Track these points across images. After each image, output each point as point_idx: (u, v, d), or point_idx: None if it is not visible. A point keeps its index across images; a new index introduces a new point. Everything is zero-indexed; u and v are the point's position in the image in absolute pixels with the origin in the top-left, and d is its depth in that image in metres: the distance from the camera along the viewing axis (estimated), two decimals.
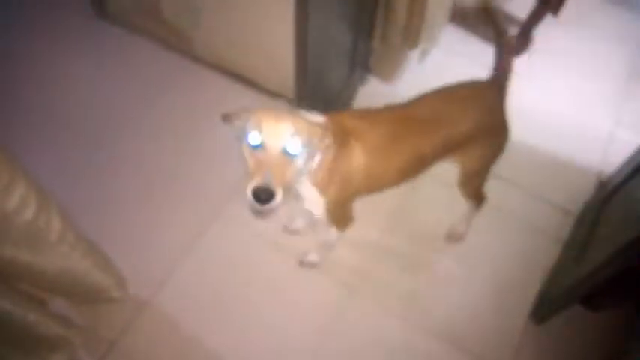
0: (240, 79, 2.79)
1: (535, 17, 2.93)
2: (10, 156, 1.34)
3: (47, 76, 2.80)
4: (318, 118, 1.58)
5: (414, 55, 2.77)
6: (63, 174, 2.38)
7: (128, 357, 2.02)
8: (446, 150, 1.80)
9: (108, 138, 2.58)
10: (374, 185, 1.80)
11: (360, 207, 1.89)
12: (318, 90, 2.04)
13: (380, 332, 2.15)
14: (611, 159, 2.62)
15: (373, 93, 2.83)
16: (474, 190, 2.10)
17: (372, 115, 1.74)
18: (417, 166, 1.80)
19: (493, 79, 1.88)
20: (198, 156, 2.54)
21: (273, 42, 2.37)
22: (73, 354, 1.92)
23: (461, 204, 2.19)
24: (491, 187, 2.50)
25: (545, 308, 2.14)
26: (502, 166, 2.57)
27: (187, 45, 2.82)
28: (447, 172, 1.97)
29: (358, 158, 1.64)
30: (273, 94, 2.71)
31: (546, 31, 3.05)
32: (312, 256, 2.22)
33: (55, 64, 2.85)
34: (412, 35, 2.56)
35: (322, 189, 1.64)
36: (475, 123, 1.76)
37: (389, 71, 2.86)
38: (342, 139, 1.58)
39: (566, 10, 2.83)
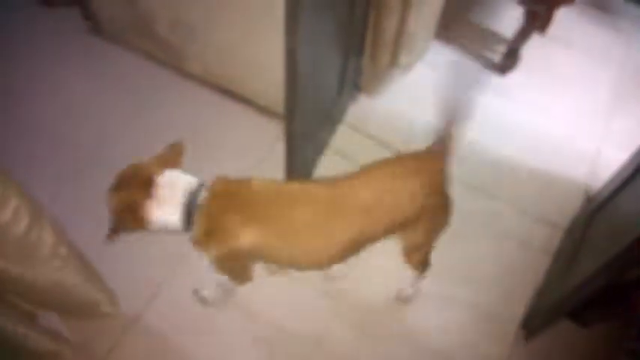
0: (231, 95, 2.81)
1: (522, 35, 2.98)
2: (3, 169, 1.34)
3: (41, 90, 2.81)
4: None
5: (401, 70, 2.81)
6: (55, 188, 2.37)
7: None
8: (387, 232, 1.69)
9: (101, 152, 2.58)
10: (285, 261, 1.74)
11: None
12: (308, 107, 2.06)
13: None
14: (598, 174, 2.65)
15: (363, 110, 2.86)
16: (418, 261, 1.98)
17: (289, 190, 1.67)
18: (353, 249, 1.66)
19: (436, 151, 1.82)
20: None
21: (264, 58, 2.41)
22: None
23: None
24: (481, 201, 2.54)
25: (534, 322, 2.15)
26: (490, 181, 2.63)
27: (180, 61, 2.85)
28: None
29: (244, 235, 1.53)
30: (264, 111, 2.73)
31: (533, 49, 3.10)
32: (206, 292, 2.14)
33: (49, 78, 2.86)
34: (397, 51, 2.60)
35: (201, 247, 1.59)
36: (421, 203, 1.65)
37: (377, 88, 2.89)
38: (226, 206, 1.54)
39: (552, 29, 2.89)
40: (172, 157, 1.63)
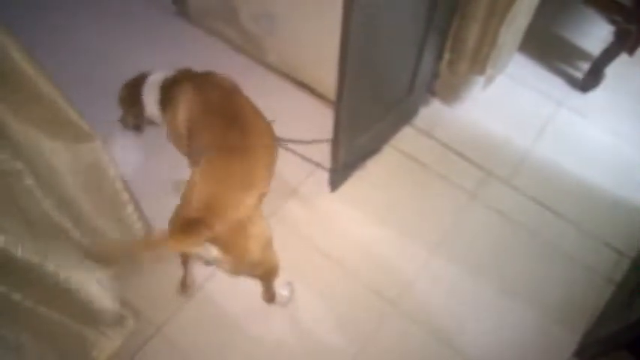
0: (304, 87, 2.87)
1: (609, 54, 2.88)
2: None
3: (122, 59, 2.89)
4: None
5: (479, 80, 2.78)
6: (140, 163, 2.49)
7: None
8: None
9: None
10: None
11: None
12: (362, 95, 2.09)
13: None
14: None
15: (435, 115, 2.85)
16: None
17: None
18: None
19: None
20: None
21: (333, 50, 2.43)
22: (127, 333, 1.99)
23: None
24: (547, 218, 2.48)
25: (590, 349, 2.10)
26: (558, 199, 2.57)
27: (258, 50, 2.92)
28: None
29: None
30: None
31: (619, 70, 2.99)
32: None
33: (131, 56, 2.95)
34: (480, 62, 2.58)
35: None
36: None
37: (453, 95, 2.87)
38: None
39: None
40: None
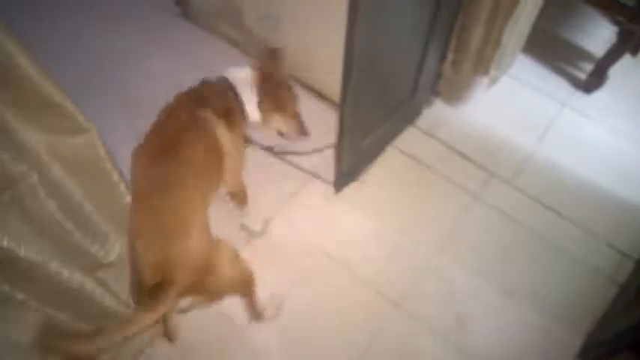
0: (309, 89, 2.86)
1: (613, 55, 2.88)
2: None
3: (127, 70, 2.92)
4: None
5: (482, 81, 2.78)
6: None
7: None
8: None
9: None
10: None
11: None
12: (367, 97, 2.10)
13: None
14: None
15: (438, 116, 2.85)
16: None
17: None
18: None
19: None
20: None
21: (338, 51, 2.44)
22: None
23: None
24: (551, 219, 2.47)
25: (594, 350, 2.09)
26: (562, 200, 2.57)
27: None
28: None
29: None
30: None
31: (622, 71, 2.99)
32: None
33: (135, 57, 2.99)
34: (484, 62, 2.57)
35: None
36: None
37: (456, 96, 2.87)
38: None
39: None
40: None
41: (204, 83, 1.86)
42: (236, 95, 1.85)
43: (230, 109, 1.82)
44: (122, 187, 1.82)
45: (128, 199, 1.85)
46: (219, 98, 1.81)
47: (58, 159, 1.50)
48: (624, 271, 2.38)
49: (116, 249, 1.89)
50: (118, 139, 1.84)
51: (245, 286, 1.89)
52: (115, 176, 1.77)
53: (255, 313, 2.05)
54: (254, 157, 2.51)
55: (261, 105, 1.88)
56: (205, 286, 1.57)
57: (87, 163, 1.62)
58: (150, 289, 1.46)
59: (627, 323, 1.91)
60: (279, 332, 2.14)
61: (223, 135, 1.77)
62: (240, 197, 2.28)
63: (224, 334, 2.11)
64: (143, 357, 2.05)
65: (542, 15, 2.66)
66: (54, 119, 1.42)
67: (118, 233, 1.89)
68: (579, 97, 3.04)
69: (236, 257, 1.76)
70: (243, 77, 1.86)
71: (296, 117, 2.00)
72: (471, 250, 2.41)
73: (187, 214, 1.56)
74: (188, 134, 1.67)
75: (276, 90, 1.89)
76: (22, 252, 1.31)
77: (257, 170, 2.48)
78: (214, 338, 2.11)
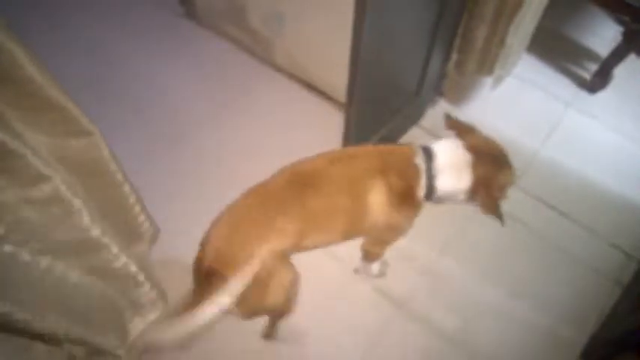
0: (312, 89, 2.87)
1: (618, 55, 2.87)
2: None
3: (131, 70, 2.94)
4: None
5: (487, 81, 2.77)
6: (145, 165, 2.47)
7: None
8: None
9: (187, 133, 2.68)
10: None
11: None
12: (371, 98, 2.10)
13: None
14: None
15: (442, 116, 2.83)
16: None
17: None
18: None
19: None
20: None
21: (345, 54, 2.44)
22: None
23: None
24: (554, 219, 2.47)
25: (598, 351, 2.09)
26: (566, 200, 2.56)
27: (267, 52, 2.92)
28: None
29: None
30: (342, 107, 2.77)
31: (627, 71, 2.98)
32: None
33: (140, 58, 3.01)
34: (488, 62, 2.57)
35: None
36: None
37: (460, 96, 2.87)
38: None
39: None
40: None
41: (399, 151, 1.76)
42: (419, 172, 1.69)
43: (408, 191, 1.71)
44: (127, 187, 1.83)
45: (132, 199, 1.86)
46: (401, 177, 1.69)
47: (61, 162, 1.51)
48: (628, 271, 2.38)
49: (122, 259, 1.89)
50: (119, 138, 1.85)
51: (279, 315, 1.88)
52: (120, 176, 1.77)
53: (272, 335, 2.05)
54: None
55: (474, 196, 1.72)
56: (248, 298, 1.52)
57: (90, 164, 1.63)
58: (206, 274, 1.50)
59: (631, 324, 1.90)
60: (279, 332, 2.14)
61: (379, 207, 1.69)
62: (368, 259, 2.16)
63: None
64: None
65: (547, 14, 2.65)
66: (57, 122, 1.43)
67: (122, 237, 1.90)
68: (584, 97, 3.04)
69: (293, 285, 1.70)
70: (453, 161, 1.71)
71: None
72: (475, 250, 2.41)
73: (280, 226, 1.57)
74: (343, 180, 1.65)
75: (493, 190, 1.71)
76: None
77: None
78: (219, 336, 2.12)
